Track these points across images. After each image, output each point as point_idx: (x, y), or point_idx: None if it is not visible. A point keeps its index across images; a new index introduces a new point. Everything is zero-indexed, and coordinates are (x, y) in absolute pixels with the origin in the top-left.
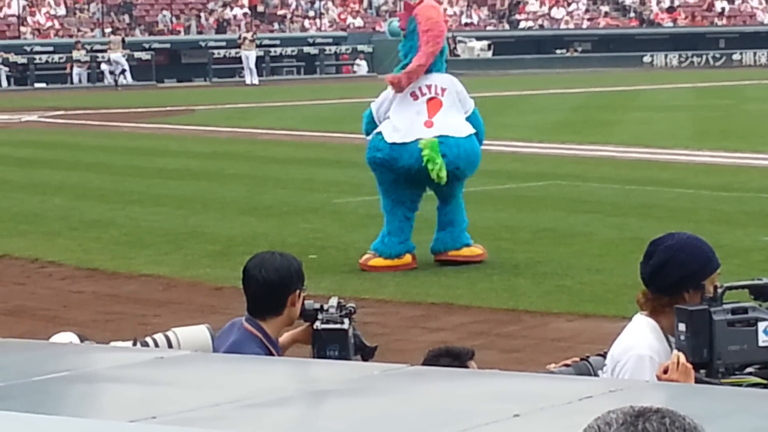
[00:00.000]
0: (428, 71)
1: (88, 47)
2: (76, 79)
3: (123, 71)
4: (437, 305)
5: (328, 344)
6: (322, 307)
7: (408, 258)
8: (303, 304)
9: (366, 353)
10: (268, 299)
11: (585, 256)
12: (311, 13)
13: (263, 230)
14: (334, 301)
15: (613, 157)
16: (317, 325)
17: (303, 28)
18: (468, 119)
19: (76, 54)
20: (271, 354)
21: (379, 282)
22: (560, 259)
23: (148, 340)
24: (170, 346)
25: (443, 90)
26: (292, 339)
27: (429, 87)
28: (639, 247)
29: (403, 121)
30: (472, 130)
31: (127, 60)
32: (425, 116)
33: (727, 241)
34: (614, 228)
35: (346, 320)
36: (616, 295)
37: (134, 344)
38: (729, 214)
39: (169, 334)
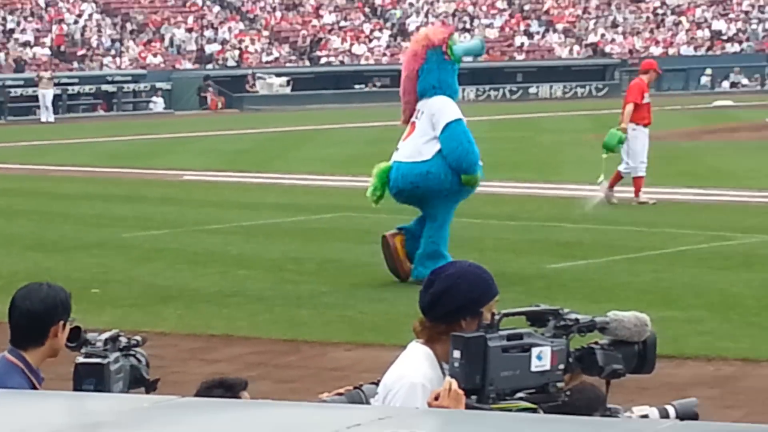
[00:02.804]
0: (421, 96)
1: None
2: None
3: None
4: (217, 337)
5: (84, 378)
6: (87, 340)
7: None
8: (81, 335)
9: (148, 387)
10: (30, 329)
11: (368, 287)
12: (112, 52)
13: (48, 265)
14: (104, 335)
15: None
16: (77, 358)
17: (102, 67)
18: (440, 138)
19: None
20: (33, 384)
21: (160, 315)
22: (344, 290)
23: None
24: None
25: (422, 114)
26: None
27: (417, 112)
28: None
29: None
30: (428, 154)
31: None
32: (401, 142)
33: (510, 269)
34: None
35: (114, 354)
36: (397, 325)
37: None
38: (514, 243)
39: None
